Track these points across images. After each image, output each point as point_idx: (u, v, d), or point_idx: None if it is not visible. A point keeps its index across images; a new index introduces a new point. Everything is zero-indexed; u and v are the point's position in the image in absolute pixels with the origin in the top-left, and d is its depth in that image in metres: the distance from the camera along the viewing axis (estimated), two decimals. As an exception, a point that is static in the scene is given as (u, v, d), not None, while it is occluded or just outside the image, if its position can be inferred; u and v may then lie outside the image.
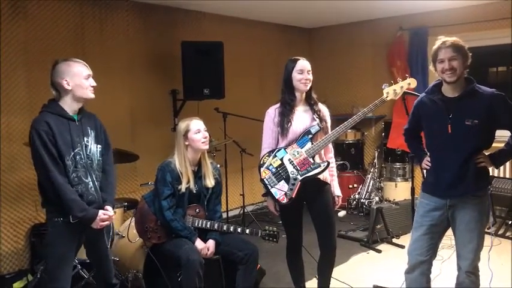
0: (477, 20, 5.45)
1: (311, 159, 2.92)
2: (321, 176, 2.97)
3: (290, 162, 2.94)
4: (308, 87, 3.00)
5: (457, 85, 2.60)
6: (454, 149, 2.61)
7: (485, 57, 5.54)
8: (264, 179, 2.97)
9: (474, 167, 2.59)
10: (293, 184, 2.92)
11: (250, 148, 5.15)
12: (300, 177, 2.92)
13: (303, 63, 2.98)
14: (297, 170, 2.93)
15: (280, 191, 2.93)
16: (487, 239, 2.76)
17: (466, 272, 2.67)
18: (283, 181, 2.94)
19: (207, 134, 3.18)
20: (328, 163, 2.96)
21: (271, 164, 2.97)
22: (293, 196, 2.91)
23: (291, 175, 2.93)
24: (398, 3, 5.35)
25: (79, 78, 2.54)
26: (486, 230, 2.76)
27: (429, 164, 2.79)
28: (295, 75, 2.96)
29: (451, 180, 2.62)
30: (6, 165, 4.06)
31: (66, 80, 2.51)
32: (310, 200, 3.05)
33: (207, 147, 3.19)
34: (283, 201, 2.92)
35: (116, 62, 4.78)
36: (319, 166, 2.92)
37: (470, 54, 2.59)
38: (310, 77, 2.99)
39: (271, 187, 2.95)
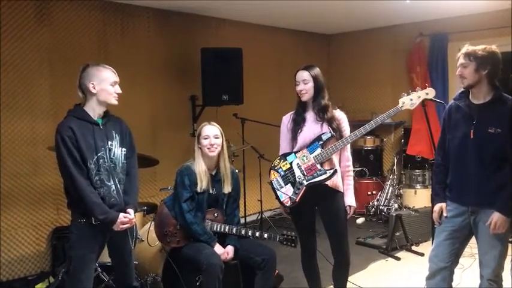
0: (498, 25, 5.37)
1: (318, 166, 2.93)
2: (329, 183, 2.95)
3: (298, 167, 2.97)
4: (306, 97, 2.99)
5: (482, 92, 2.57)
6: (475, 155, 2.57)
7: (507, 63, 5.44)
8: (272, 181, 3.03)
9: (495, 175, 2.53)
10: (298, 189, 2.95)
11: (268, 154, 5.15)
12: (305, 182, 2.94)
13: (298, 75, 3.01)
14: (303, 175, 2.95)
15: (285, 194, 2.97)
16: (510, 248, 2.71)
17: (488, 280, 2.62)
18: (289, 184, 2.98)
19: (214, 141, 3.13)
20: (335, 171, 2.94)
21: (280, 167, 3.02)
22: (297, 200, 2.94)
23: (297, 179, 2.96)
24: (418, 9, 5.32)
25: (106, 84, 2.61)
26: (510, 239, 2.70)
27: (442, 221, 2.73)
28: (296, 87, 3.03)
29: (470, 187, 2.59)
30: (30, 169, 4.15)
31: (93, 84, 2.59)
32: (321, 206, 3.06)
33: (212, 154, 3.13)
34: (287, 204, 2.98)
35: (136, 67, 4.85)
36: (325, 173, 2.92)
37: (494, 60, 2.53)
38: (307, 86, 2.96)
39: (278, 189, 3.01)
